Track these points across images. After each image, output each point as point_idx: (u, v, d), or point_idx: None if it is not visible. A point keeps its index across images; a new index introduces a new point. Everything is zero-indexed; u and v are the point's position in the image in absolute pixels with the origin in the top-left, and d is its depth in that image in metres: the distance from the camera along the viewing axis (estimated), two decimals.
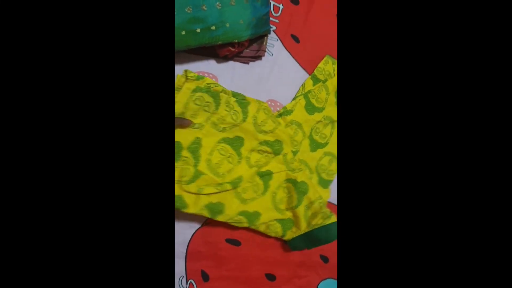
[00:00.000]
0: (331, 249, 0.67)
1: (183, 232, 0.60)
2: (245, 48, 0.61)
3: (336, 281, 0.68)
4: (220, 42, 0.57)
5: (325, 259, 0.68)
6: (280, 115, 0.63)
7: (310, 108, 0.65)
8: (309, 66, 0.68)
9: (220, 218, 0.58)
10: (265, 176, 0.61)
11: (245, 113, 0.58)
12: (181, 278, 0.60)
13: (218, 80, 0.62)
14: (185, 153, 0.56)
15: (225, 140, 0.58)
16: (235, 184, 0.58)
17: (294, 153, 0.64)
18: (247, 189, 0.59)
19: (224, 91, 0.56)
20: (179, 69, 0.59)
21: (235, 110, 0.57)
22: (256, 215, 0.60)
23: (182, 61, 0.61)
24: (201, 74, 0.61)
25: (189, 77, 0.54)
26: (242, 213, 0.59)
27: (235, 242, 0.63)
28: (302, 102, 0.65)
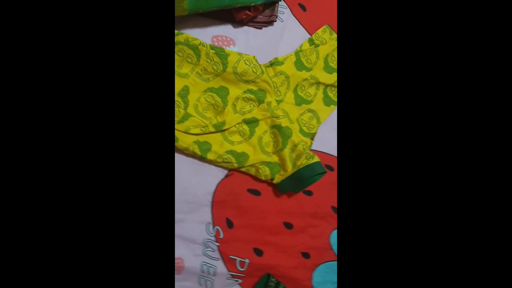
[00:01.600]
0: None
1: (209, 182, 0.65)
2: (259, 13, 0.67)
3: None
4: (239, 5, 0.62)
5: (335, 210, 0.74)
6: (271, 64, 0.68)
7: (299, 66, 0.71)
8: (314, 32, 0.75)
9: (209, 155, 0.64)
10: (251, 123, 0.66)
11: (224, 64, 0.63)
12: (208, 224, 0.65)
13: (235, 43, 0.67)
14: (176, 97, 0.62)
15: (211, 90, 0.65)
16: (219, 127, 0.64)
17: (278, 102, 0.69)
18: (234, 134, 0.66)
19: (202, 44, 0.62)
20: (196, 33, 0.65)
21: (215, 61, 0.63)
22: (244, 156, 0.65)
23: (201, 25, 0.66)
24: (219, 37, 0.67)
25: None
26: (230, 152, 0.65)
27: (256, 192, 0.68)
28: (293, 58, 0.70)
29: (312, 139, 0.72)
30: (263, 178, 0.67)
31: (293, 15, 0.73)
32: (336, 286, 0.70)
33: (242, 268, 0.66)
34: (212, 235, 0.65)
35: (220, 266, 0.65)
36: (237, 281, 0.66)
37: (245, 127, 0.66)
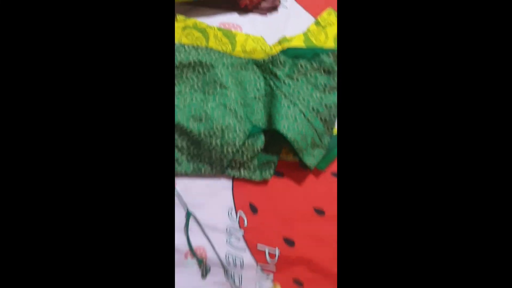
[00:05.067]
0: None
1: None
2: None
3: None
4: None
5: None
6: (279, 43, 0.67)
7: (308, 43, 0.69)
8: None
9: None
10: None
11: (233, 43, 0.63)
12: (230, 210, 0.59)
13: (242, 29, 0.68)
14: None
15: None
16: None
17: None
18: None
19: (209, 27, 0.63)
20: (203, 21, 0.66)
21: (223, 42, 0.63)
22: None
23: (207, 14, 0.67)
24: (225, 24, 0.68)
25: (178, 19, 0.62)
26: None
27: (278, 173, 0.62)
28: (301, 36, 0.69)
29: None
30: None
31: (295, 1, 0.74)
32: None
33: (272, 260, 0.58)
34: (235, 221, 0.59)
35: (247, 257, 0.58)
36: (268, 275, 0.58)
37: None
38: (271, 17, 0.71)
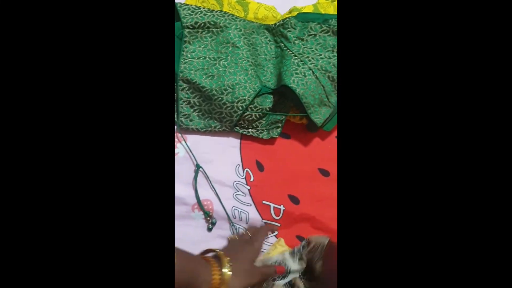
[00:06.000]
0: None
1: None
2: None
3: None
4: None
5: None
6: (289, 12, 0.70)
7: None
8: None
9: None
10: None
11: (246, 10, 0.66)
12: (237, 166, 0.61)
13: None
14: None
15: None
16: None
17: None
18: None
19: None
20: None
21: (237, 9, 0.66)
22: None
23: None
24: None
25: None
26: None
27: (285, 135, 0.64)
28: (311, 7, 0.71)
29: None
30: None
31: None
32: None
33: (277, 216, 0.60)
34: (242, 177, 0.61)
35: (252, 212, 0.59)
36: (273, 231, 0.59)
37: None
38: None
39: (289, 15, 0.67)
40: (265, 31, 0.66)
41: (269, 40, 0.65)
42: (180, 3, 0.63)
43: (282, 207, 0.60)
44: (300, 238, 0.60)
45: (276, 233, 0.60)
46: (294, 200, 0.61)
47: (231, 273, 0.41)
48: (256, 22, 0.66)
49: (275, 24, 0.65)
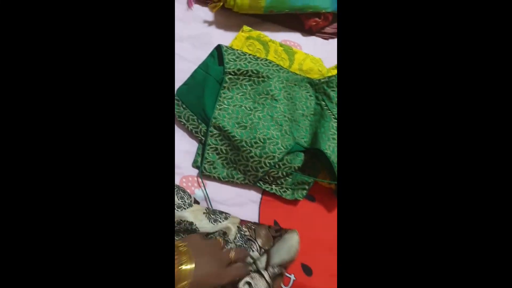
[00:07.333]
0: None
1: None
2: (328, 24, 0.69)
3: None
4: (310, 10, 0.65)
5: None
6: (336, 67, 0.66)
7: None
8: None
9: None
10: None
11: (291, 60, 0.64)
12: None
13: (302, 48, 0.69)
14: None
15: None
16: None
17: None
18: None
19: (272, 41, 0.64)
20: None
21: (282, 57, 0.64)
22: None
23: (272, 30, 0.69)
24: (287, 41, 0.69)
25: (244, 29, 0.64)
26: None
27: (310, 198, 0.60)
28: None
29: None
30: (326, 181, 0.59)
31: None
32: None
33: (286, 286, 0.56)
34: None
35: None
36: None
37: None
38: (332, 42, 0.71)
39: (335, 72, 0.64)
40: (308, 84, 0.63)
41: (310, 96, 0.62)
42: (226, 46, 0.62)
43: (292, 277, 0.56)
44: None
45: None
46: (307, 270, 0.57)
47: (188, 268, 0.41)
48: (300, 75, 0.63)
49: (319, 79, 0.62)
